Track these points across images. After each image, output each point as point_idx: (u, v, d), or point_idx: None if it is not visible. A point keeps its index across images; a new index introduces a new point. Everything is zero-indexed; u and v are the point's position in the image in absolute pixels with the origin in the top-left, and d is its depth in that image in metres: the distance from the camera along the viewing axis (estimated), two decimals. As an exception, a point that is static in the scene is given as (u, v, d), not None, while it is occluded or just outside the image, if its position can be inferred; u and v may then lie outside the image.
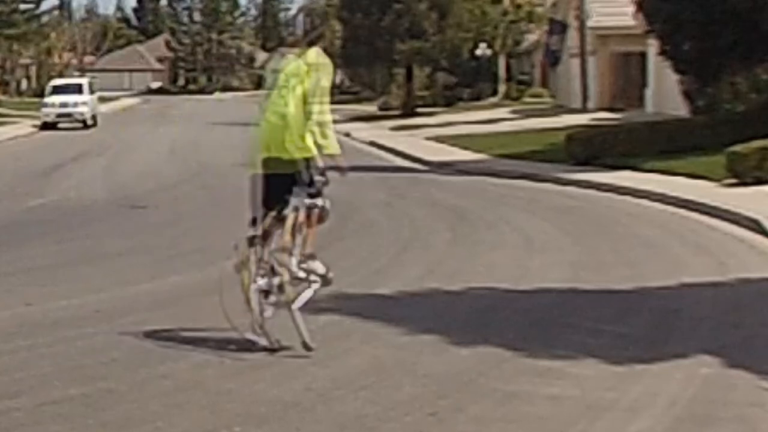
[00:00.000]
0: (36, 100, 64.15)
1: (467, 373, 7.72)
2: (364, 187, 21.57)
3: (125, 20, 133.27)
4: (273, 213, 8.45)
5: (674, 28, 25.73)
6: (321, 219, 8.59)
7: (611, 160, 23.59)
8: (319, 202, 8.52)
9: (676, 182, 20.08)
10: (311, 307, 9.81)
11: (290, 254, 8.42)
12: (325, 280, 8.69)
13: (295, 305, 8.33)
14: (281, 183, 8.42)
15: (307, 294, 8.54)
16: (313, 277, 8.61)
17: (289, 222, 8.41)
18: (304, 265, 8.54)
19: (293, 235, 8.44)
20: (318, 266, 8.64)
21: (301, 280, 8.53)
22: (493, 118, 44.39)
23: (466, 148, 30.77)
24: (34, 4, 78.27)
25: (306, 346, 8.16)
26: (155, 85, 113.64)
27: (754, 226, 14.70)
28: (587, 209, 17.98)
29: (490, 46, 57.07)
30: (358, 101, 70.32)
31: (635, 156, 23.61)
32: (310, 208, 8.46)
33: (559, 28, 49.79)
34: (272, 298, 8.41)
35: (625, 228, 15.78)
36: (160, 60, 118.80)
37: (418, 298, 10.51)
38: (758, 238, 14.13)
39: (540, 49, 58.94)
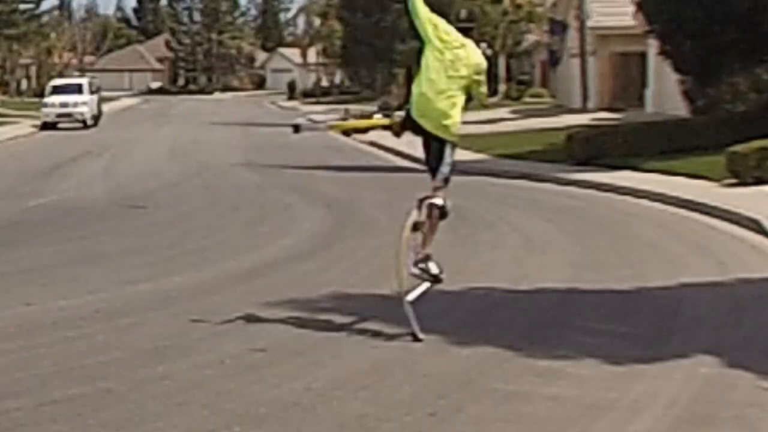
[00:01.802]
0: (36, 100, 64.16)
1: (467, 373, 7.72)
2: (364, 187, 21.59)
3: (125, 20, 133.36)
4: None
5: (674, 28, 25.75)
6: (442, 217, 8.88)
7: (611, 160, 23.59)
8: (438, 201, 8.77)
9: (676, 182, 20.07)
10: (311, 307, 9.84)
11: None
12: (437, 280, 8.92)
13: (409, 297, 8.63)
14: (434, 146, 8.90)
15: (421, 288, 8.79)
16: (426, 276, 8.84)
17: (410, 220, 8.81)
18: (421, 265, 8.77)
19: (414, 231, 8.81)
20: (432, 267, 8.83)
21: (415, 276, 8.81)
22: (493, 118, 44.35)
23: (466, 148, 30.64)
24: (34, 4, 78.38)
25: (415, 337, 8.44)
26: (155, 85, 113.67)
27: (754, 226, 14.70)
28: (587, 209, 17.98)
29: (490, 46, 56.95)
30: (358, 101, 70.32)
31: (635, 156, 23.60)
32: (430, 208, 8.77)
33: (559, 28, 49.77)
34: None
35: (625, 228, 15.78)
36: (160, 60, 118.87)
37: (417, 298, 10.50)
38: (758, 238, 14.13)
39: (540, 49, 58.98)
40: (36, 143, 40.97)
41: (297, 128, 9.87)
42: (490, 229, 15.45)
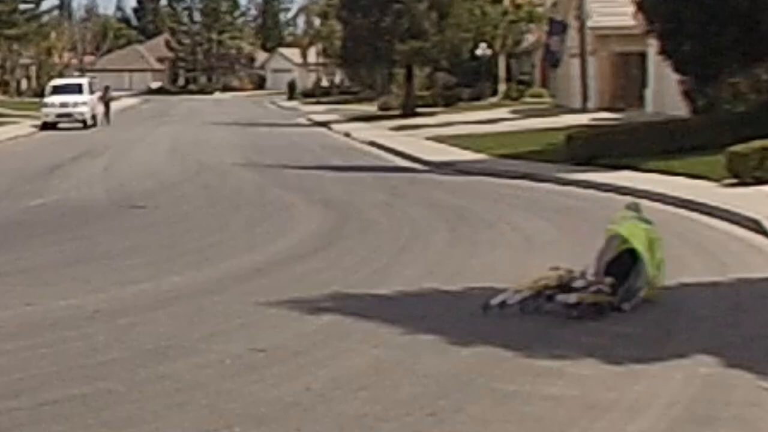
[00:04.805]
0: (36, 100, 64.14)
1: (467, 373, 7.72)
2: (364, 187, 21.59)
3: (125, 20, 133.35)
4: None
5: (674, 28, 25.71)
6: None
7: (611, 160, 23.58)
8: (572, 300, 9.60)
9: (676, 182, 20.07)
10: (311, 307, 9.84)
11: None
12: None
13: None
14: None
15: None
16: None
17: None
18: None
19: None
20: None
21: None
22: (493, 118, 44.40)
23: (466, 148, 30.76)
24: (34, 4, 78.34)
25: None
26: (155, 85, 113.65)
27: (754, 226, 14.70)
28: (587, 209, 17.97)
29: (490, 46, 57.09)
30: (358, 101, 70.37)
31: (635, 156, 23.60)
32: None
33: (559, 28, 49.73)
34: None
35: (625, 228, 15.74)
36: (160, 60, 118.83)
37: (418, 298, 10.51)
38: (758, 238, 14.12)
39: (540, 49, 58.95)
40: (36, 143, 40.96)
41: (487, 307, 9.68)
42: (490, 229, 15.45)
